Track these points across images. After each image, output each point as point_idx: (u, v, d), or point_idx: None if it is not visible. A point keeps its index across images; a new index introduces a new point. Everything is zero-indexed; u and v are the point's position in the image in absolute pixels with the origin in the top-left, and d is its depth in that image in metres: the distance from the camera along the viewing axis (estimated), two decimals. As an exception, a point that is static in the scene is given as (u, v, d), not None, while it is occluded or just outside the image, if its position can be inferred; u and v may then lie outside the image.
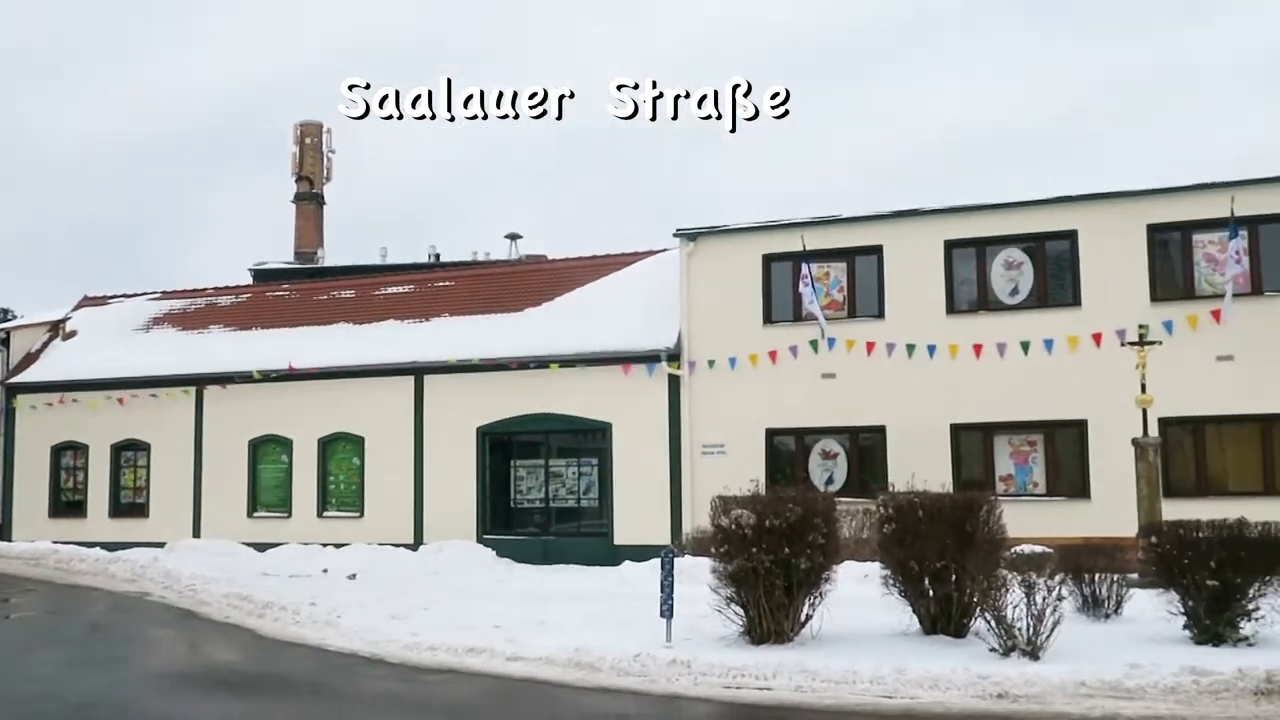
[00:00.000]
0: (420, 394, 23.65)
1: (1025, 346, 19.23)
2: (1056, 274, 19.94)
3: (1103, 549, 13.37)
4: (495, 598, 15.75)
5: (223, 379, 25.32)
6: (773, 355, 20.76)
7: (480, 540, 22.31)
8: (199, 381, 25.57)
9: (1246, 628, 10.75)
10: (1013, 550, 12.11)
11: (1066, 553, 13.22)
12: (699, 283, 21.60)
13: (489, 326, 23.87)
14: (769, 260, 21.32)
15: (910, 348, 19.83)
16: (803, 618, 11.19)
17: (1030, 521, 17.19)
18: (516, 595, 16.07)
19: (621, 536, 21.46)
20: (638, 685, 9.94)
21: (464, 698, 10.01)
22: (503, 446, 23.47)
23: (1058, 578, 10.63)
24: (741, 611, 11.18)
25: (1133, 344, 17.23)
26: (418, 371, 23.62)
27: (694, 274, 21.68)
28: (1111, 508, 17.65)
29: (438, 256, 38.68)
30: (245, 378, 24.91)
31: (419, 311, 25.29)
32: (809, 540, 10.93)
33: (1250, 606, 10.77)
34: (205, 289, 29.54)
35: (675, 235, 22.09)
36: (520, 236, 39.04)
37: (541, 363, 22.38)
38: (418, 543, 22.67)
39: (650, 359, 21.68)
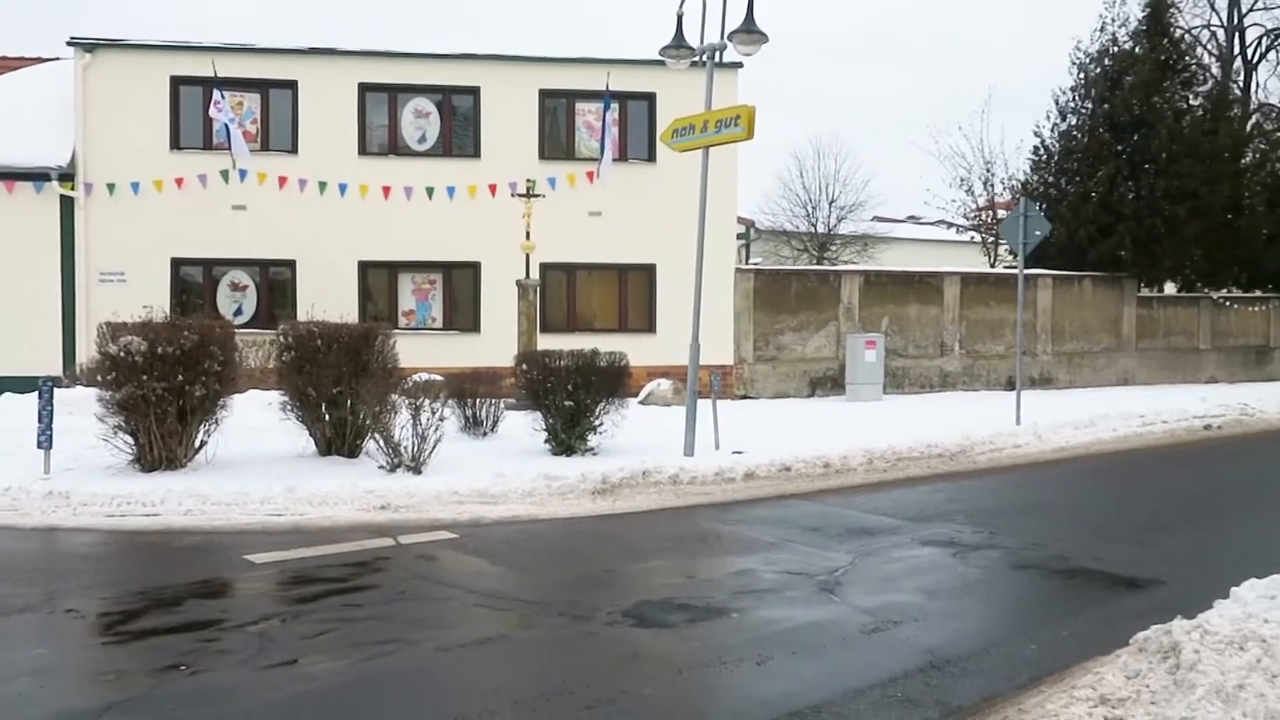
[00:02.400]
0: None
1: (430, 192, 19.47)
2: (461, 126, 20.31)
3: (486, 376, 14.20)
4: None
5: None
6: (179, 182, 18.98)
7: None
8: None
9: (592, 440, 12.04)
10: (409, 378, 12.36)
11: (456, 380, 13.84)
12: (98, 99, 18.96)
13: None
14: (177, 82, 19.25)
15: (322, 185, 19.20)
16: (197, 444, 10.63)
17: (429, 352, 17.82)
18: None
19: (2, 368, 18.73)
20: (8, 520, 8.81)
21: None
22: None
23: (442, 401, 11.11)
24: (131, 440, 10.34)
25: (521, 196, 18.16)
26: None
27: (92, 89, 18.97)
28: (498, 340, 18.68)
29: None
30: None
31: None
32: (204, 368, 10.32)
33: (596, 422, 12.06)
34: None
35: (69, 44, 19.08)
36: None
37: (-101, 172, 18.47)
38: None
39: (39, 177, 18.77)
